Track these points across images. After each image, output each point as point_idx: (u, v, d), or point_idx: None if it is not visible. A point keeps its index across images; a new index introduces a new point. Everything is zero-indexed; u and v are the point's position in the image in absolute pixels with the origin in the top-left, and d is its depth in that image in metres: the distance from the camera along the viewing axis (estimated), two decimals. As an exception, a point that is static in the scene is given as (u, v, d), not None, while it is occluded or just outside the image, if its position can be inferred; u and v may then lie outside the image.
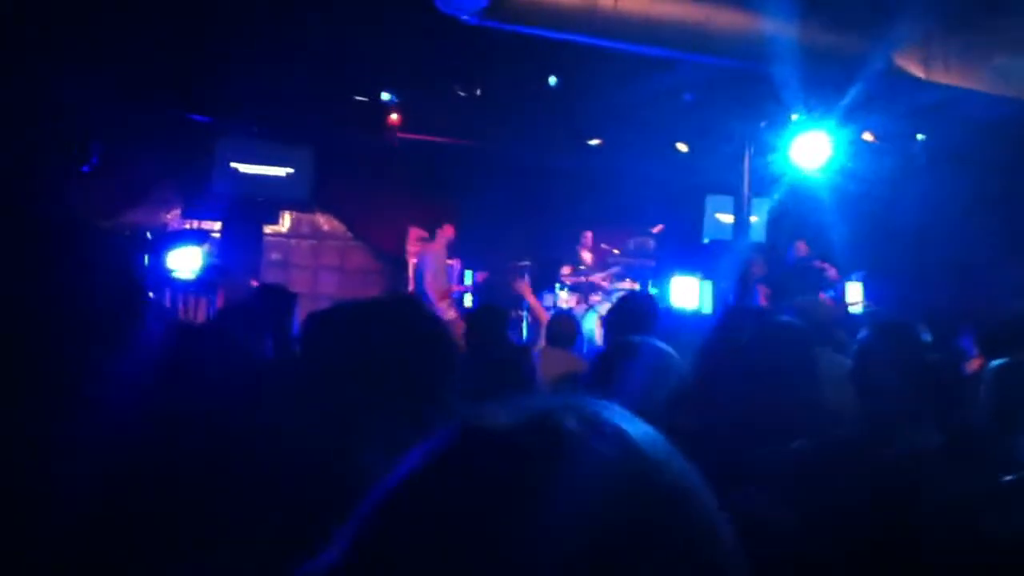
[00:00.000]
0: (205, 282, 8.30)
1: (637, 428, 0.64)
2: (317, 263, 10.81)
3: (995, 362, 4.27)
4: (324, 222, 10.93)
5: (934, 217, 8.19)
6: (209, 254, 8.68)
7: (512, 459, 0.60)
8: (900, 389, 2.39)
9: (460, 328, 5.57)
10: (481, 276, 9.88)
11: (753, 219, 9.35)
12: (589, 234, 10.20)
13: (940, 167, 8.30)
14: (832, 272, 8.35)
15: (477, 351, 4.30)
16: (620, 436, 0.63)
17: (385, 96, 9.56)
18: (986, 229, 8.06)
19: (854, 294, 8.91)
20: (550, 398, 0.66)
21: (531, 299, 8.15)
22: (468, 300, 9.91)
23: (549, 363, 4.19)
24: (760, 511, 2.06)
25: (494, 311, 4.52)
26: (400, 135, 10.09)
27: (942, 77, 6.61)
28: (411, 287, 9.56)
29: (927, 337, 2.58)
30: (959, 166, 8.16)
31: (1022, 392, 2.90)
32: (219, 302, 8.65)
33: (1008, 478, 2.61)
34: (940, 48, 6.55)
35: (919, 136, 8.81)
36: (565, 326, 5.03)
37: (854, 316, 7.88)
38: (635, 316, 3.26)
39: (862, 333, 2.61)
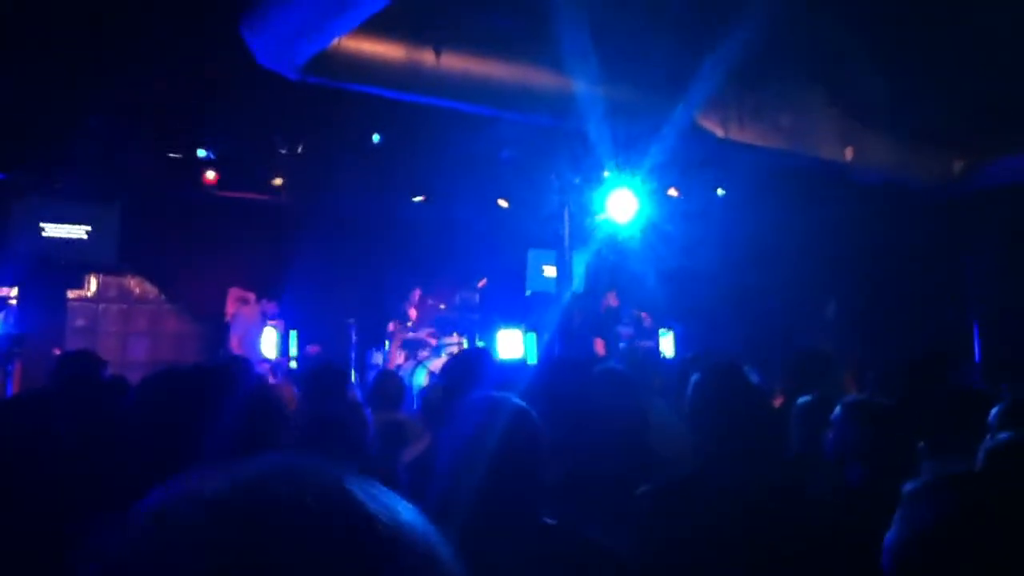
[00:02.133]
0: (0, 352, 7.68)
1: (369, 490, 0.64)
2: (127, 328, 10.20)
3: (801, 399, 4.61)
4: (134, 285, 10.35)
5: (732, 266, 8.77)
6: (4, 322, 8.04)
7: (216, 526, 0.58)
8: (732, 427, 2.54)
9: (286, 392, 5.40)
10: (313, 349, 9.67)
11: (572, 271, 9.70)
12: (417, 291, 10.21)
13: (737, 218, 8.92)
14: (648, 320, 8.76)
15: (310, 411, 4.19)
16: (341, 500, 0.62)
17: (200, 152, 9.25)
18: (779, 276, 8.72)
19: (667, 340, 9.39)
20: (273, 459, 0.65)
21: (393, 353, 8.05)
22: (293, 365, 9.66)
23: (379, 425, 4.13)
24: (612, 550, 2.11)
25: (332, 370, 4.42)
26: (218, 193, 9.76)
27: (738, 135, 7.17)
28: (234, 350, 9.20)
29: (755, 378, 2.78)
30: (755, 217, 8.81)
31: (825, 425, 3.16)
32: (16, 373, 8.00)
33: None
34: (735, 108, 7.11)
35: (719, 191, 9.46)
36: (391, 386, 4.96)
37: (670, 361, 8.29)
38: (471, 370, 3.29)
39: (695, 376, 2.76)
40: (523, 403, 2.45)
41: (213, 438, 2.32)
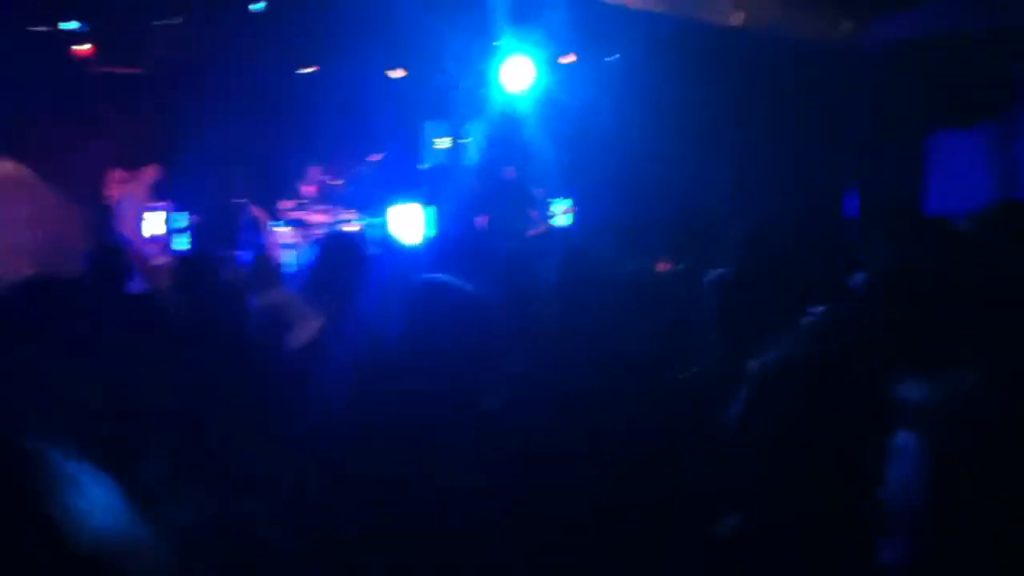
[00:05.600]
0: None
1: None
2: (5, 214, 9.71)
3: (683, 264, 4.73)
4: (8, 168, 9.81)
5: (628, 134, 8.79)
6: None
7: None
8: (600, 302, 2.62)
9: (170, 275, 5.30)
10: (196, 218, 9.43)
11: (466, 142, 9.61)
12: (312, 167, 9.99)
13: (633, 85, 8.89)
14: (540, 192, 8.82)
15: (188, 299, 4.15)
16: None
17: (70, 25, 8.64)
18: (675, 141, 8.80)
19: (563, 211, 9.46)
20: None
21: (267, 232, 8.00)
22: (182, 242, 9.40)
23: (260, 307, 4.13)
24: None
25: (205, 258, 4.35)
26: (94, 68, 9.23)
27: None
28: (117, 234, 8.92)
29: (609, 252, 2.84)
30: (654, 83, 8.79)
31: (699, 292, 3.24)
32: None
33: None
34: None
35: (612, 57, 9.37)
36: (267, 266, 4.94)
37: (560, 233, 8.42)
38: (342, 260, 3.22)
39: (558, 255, 2.81)
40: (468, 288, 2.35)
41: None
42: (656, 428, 2.35)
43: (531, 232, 7.96)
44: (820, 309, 2.22)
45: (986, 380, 0.95)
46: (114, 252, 4.47)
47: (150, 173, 8.89)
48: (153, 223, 9.24)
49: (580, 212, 9.43)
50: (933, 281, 3.15)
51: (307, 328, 4.09)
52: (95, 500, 0.62)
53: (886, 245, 4.55)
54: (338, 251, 3.40)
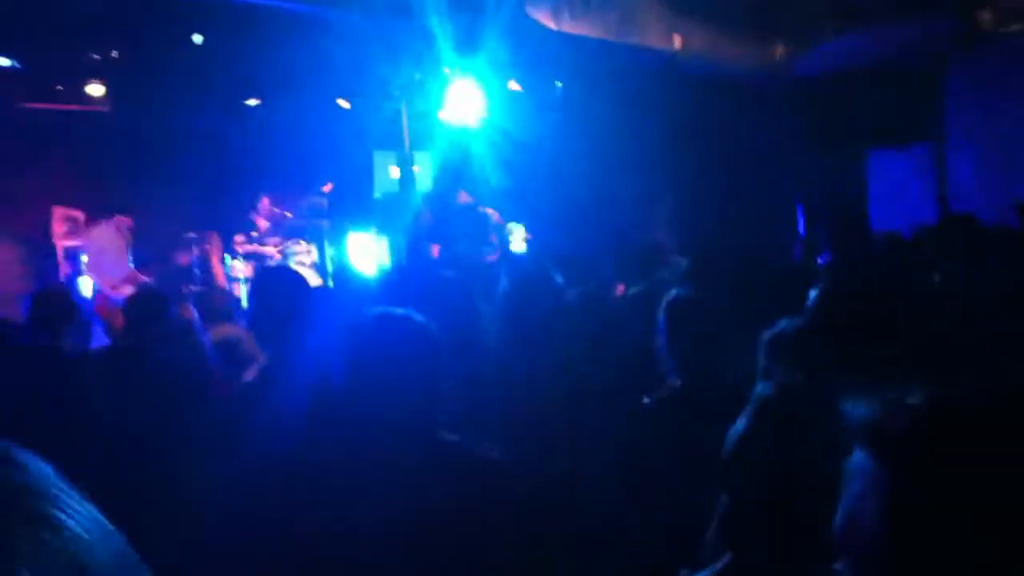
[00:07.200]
0: None
1: None
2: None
3: (631, 290, 4.73)
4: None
5: (580, 160, 8.83)
6: None
7: None
8: (543, 334, 2.59)
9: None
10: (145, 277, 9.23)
11: (416, 171, 9.58)
12: (265, 199, 9.89)
13: (576, 113, 8.96)
14: (495, 216, 8.81)
15: (138, 336, 4.07)
16: None
17: (3, 61, 8.46)
18: (618, 169, 8.87)
19: (519, 236, 9.46)
20: None
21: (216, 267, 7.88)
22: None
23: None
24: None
25: (151, 295, 4.26)
26: (28, 105, 9.03)
27: (569, 27, 7.13)
28: (65, 276, 8.70)
29: (559, 279, 2.82)
30: (597, 111, 8.87)
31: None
32: None
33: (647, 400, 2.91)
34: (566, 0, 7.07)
35: (557, 84, 9.43)
36: (218, 301, 4.85)
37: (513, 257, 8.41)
38: (279, 297, 3.11)
39: (502, 285, 2.77)
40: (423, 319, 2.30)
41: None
42: (617, 456, 2.33)
43: (488, 258, 7.93)
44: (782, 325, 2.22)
45: (929, 398, 0.92)
46: (55, 297, 4.36)
47: (117, 221, 8.55)
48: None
49: (533, 238, 9.44)
50: (879, 298, 3.18)
51: (256, 364, 4.02)
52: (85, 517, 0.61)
53: (838, 261, 4.62)
54: (271, 287, 3.33)
